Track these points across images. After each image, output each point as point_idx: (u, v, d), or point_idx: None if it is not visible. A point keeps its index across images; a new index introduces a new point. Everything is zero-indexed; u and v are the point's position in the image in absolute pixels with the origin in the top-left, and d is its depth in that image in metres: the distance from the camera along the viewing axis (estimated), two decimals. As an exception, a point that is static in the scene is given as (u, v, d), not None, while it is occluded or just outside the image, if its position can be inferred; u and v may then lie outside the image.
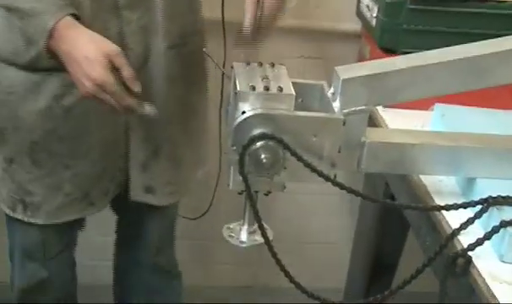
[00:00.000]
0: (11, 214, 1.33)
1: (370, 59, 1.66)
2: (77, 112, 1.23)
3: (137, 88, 1.10)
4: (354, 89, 0.94)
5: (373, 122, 1.41)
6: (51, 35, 1.07)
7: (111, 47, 1.09)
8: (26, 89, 1.22)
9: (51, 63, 1.13)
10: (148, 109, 1.12)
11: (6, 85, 1.23)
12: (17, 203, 1.32)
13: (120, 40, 1.19)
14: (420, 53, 0.98)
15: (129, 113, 1.13)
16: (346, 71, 0.95)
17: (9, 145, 1.28)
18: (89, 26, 1.11)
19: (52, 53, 1.10)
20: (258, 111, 0.90)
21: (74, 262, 1.51)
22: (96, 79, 1.07)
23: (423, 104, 1.37)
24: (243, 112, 0.90)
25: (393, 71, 0.94)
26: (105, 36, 1.11)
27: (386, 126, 1.36)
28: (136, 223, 1.49)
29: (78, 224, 1.42)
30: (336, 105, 0.94)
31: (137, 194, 1.36)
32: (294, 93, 0.92)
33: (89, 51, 1.07)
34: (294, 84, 0.95)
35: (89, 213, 1.35)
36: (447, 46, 1.00)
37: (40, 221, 1.32)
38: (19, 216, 1.32)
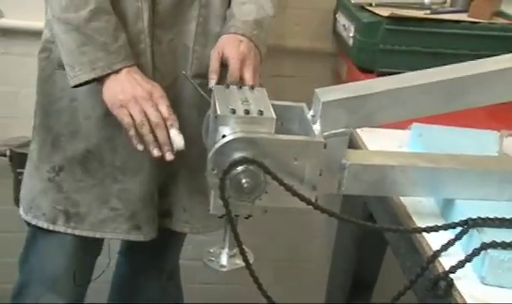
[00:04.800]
0: (50, 227, 1.31)
1: (347, 78, 1.67)
2: None
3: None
4: (334, 111, 0.94)
5: (351, 141, 1.41)
6: (111, 73, 1.14)
7: (157, 88, 1.16)
8: (87, 96, 1.24)
9: None
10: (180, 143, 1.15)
11: (70, 92, 1.24)
12: (59, 215, 1.31)
13: (150, 59, 1.22)
14: (399, 76, 0.98)
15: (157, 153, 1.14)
16: (326, 93, 0.95)
17: (63, 152, 1.28)
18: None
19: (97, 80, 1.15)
20: (239, 134, 0.89)
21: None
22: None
23: (401, 123, 1.38)
24: (224, 136, 0.89)
25: (373, 93, 0.94)
26: (135, 51, 1.19)
27: (364, 145, 1.36)
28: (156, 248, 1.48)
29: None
30: (317, 127, 0.94)
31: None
32: (275, 116, 0.92)
33: (137, 90, 1.13)
34: (274, 106, 0.95)
35: (136, 237, 1.33)
36: (423, 65, 1.02)
37: (83, 233, 1.31)
38: (61, 228, 1.31)
